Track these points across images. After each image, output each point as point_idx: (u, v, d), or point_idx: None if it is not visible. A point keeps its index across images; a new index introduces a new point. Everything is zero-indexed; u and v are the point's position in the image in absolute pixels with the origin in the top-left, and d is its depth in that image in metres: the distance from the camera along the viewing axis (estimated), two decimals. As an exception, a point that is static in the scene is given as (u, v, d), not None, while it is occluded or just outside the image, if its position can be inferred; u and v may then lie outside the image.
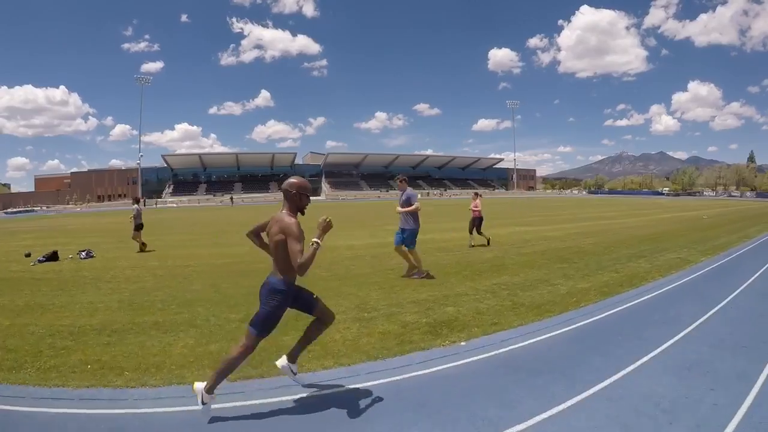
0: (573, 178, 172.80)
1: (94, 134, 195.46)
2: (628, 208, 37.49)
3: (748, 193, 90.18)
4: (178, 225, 26.48)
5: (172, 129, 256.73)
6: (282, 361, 3.58)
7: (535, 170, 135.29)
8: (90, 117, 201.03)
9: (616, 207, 39.15)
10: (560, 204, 48.94)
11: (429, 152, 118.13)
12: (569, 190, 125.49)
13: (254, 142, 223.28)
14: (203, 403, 3.19)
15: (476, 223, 12.40)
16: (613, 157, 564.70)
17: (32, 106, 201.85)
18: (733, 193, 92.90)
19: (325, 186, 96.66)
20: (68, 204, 78.62)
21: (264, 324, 3.23)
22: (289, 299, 3.29)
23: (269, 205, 62.66)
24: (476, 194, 13.17)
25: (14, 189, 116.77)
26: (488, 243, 12.38)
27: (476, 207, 12.45)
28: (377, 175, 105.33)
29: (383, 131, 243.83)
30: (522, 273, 8.50)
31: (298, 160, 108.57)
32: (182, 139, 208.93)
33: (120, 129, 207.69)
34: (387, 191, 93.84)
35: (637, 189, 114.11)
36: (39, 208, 68.81)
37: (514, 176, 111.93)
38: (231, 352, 3.26)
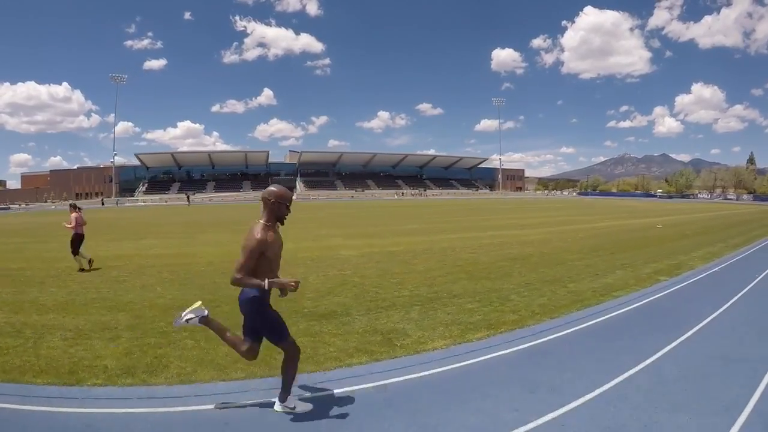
0: (576, 179, 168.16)
1: (97, 131, 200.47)
2: (591, 211, 32.96)
3: (745, 196, 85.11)
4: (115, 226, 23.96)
5: (175, 126, 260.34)
6: (277, 406, 3.43)
7: (523, 170, 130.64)
8: (93, 114, 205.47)
9: (576, 210, 34.64)
10: (519, 206, 44.20)
11: (426, 151, 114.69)
12: (560, 192, 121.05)
13: (257, 140, 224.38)
14: (292, 408, 3.33)
15: (76, 242, 9.65)
16: (616, 158, 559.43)
17: (35, 103, 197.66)
18: (729, 196, 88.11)
19: (299, 185, 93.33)
20: (45, 201, 78.68)
21: (272, 330, 3.23)
22: (266, 300, 3.20)
23: (234, 204, 60.24)
24: (73, 206, 10.34)
25: (15, 186, 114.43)
26: (90, 265, 9.58)
27: (72, 223, 9.81)
28: (354, 174, 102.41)
29: (385, 131, 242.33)
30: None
31: (279, 158, 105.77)
32: (185, 137, 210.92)
33: (122, 126, 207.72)
34: (363, 191, 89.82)
35: (630, 191, 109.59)
36: (18, 205, 68.57)
37: (500, 176, 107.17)
38: (283, 365, 3.32)
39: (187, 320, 3.33)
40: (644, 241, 14.22)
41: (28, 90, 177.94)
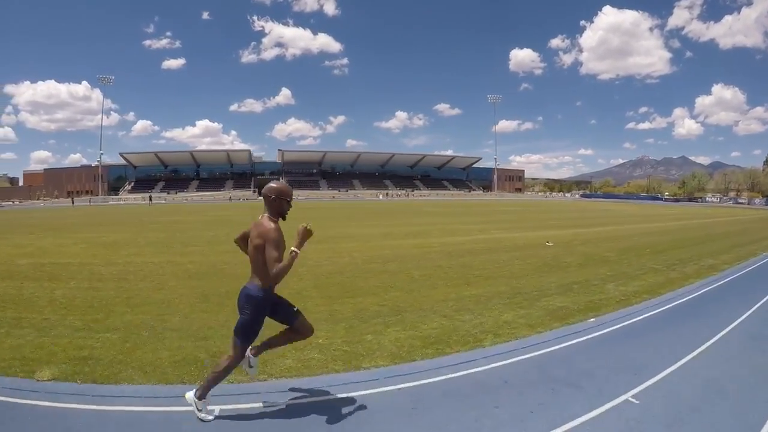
0: (592, 181, 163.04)
1: (116, 129, 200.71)
2: (534, 218, 29.01)
3: (757, 200, 78.87)
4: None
5: (193, 125, 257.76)
6: (244, 361, 3.40)
7: (523, 171, 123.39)
8: (112, 112, 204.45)
9: (519, 215, 30.78)
10: (468, 210, 40.12)
11: (423, 150, 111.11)
12: (563, 194, 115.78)
13: (275, 139, 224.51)
14: (198, 410, 3.22)
15: None
16: (634, 161, 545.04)
17: (55, 101, 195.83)
18: (740, 200, 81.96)
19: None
20: (37, 199, 79.31)
21: (245, 332, 3.20)
22: (266, 306, 3.22)
23: (197, 203, 58.95)
24: None
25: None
26: None
27: None
28: (340, 174, 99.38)
29: (403, 131, 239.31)
30: None
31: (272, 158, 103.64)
32: (203, 136, 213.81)
33: (141, 125, 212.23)
34: (347, 191, 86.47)
35: (636, 193, 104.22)
36: (11, 202, 69.35)
37: (495, 177, 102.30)
38: (220, 362, 3.27)
39: (200, 411, 3.27)
40: (485, 274, 8.91)
41: (48, 88, 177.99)
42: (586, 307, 6.47)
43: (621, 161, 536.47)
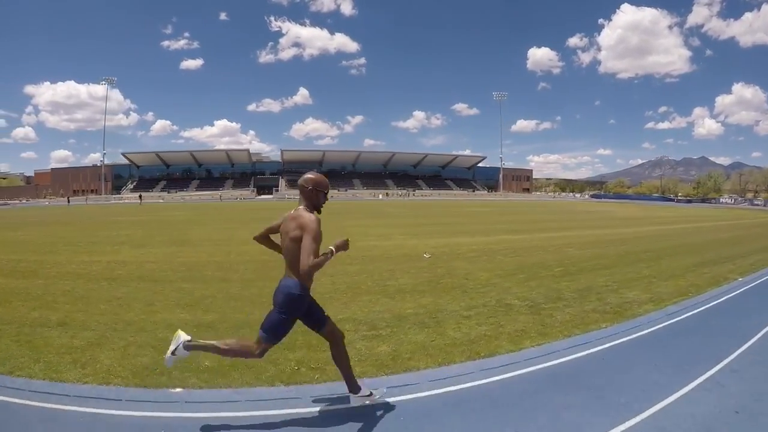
0: (609, 181, 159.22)
1: (136, 129, 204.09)
2: (520, 221, 27.38)
3: (776, 201, 75.53)
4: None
5: (212, 125, 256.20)
6: (354, 399, 3.23)
7: (531, 170, 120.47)
8: (131, 112, 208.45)
9: (494, 218, 29.03)
10: (449, 210, 38.60)
11: (417, 150, 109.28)
12: (572, 194, 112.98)
13: (293, 139, 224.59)
14: (172, 354, 3.07)
15: None
16: (653, 161, 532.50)
17: (75, 101, 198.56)
18: (756, 201, 78.34)
19: (282, 184, 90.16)
20: (44, 198, 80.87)
21: (275, 330, 2.99)
22: (304, 306, 3.02)
23: (190, 203, 59.03)
24: None
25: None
26: None
27: None
28: (339, 174, 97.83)
29: (421, 131, 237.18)
30: None
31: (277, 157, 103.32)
32: (221, 135, 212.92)
33: (160, 124, 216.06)
34: (346, 191, 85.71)
35: (646, 194, 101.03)
36: (19, 201, 72.07)
37: (500, 177, 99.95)
38: (239, 342, 3.10)
39: (173, 353, 3.08)
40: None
41: (68, 89, 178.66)
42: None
43: (640, 161, 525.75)
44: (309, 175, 3.12)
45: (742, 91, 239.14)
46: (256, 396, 3.38)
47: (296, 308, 2.96)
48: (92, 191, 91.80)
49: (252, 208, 41.75)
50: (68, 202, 64.23)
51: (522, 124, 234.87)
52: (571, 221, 26.20)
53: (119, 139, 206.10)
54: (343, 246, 2.98)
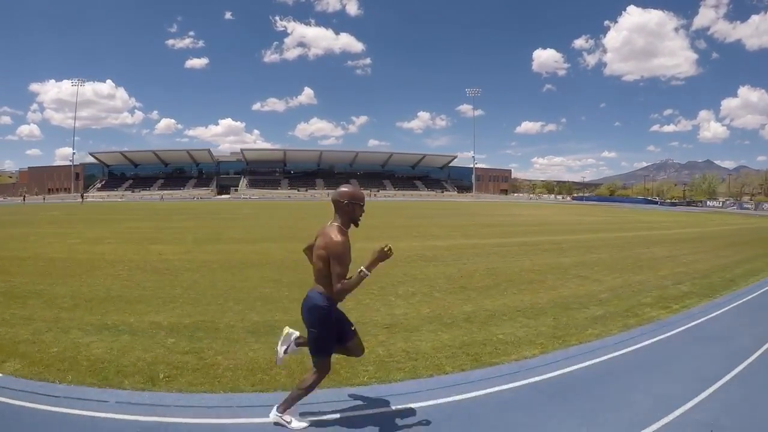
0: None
1: (141, 127, 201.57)
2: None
3: (766, 205, 68.79)
4: None
5: (216, 124, 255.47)
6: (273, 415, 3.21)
7: (510, 170, 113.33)
8: (136, 111, 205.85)
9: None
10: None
11: (382, 150, 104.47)
12: (553, 196, 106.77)
13: (297, 138, 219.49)
14: (287, 422, 3.13)
15: None
16: (658, 164, 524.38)
17: (80, 99, 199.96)
18: (745, 205, 71.67)
19: (243, 183, 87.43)
20: (20, 196, 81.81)
21: (319, 347, 3.03)
22: (332, 315, 2.99)
23: (130, 202, 57.06)
24: None
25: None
26: None
27: None
28: (303, 173, 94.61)
29: (426, 131, 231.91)
30: None
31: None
32: (226, 134, 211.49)
33: (165, 123, 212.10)
34: (306, 191, 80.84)
35: (628, 196, 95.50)
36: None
37: (473, 177, 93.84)
38: (306, 379, 3.13)
39: (285, 352, 3.27)
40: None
41: (73, 87, 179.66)
42: None
43: (645, 164, 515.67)
44: (344, 189, 2.98)
45: (748, 94, 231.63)
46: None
47: (326, 322, 2.94)
48: (65, 189, 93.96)
49: (181, 209, 36.18)
50: (24, 200, 65.22)
51: (527, 126, 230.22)
52: (451, 228, 20.60)
53: (124, 138, 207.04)
54: (382, 258, 2.81)
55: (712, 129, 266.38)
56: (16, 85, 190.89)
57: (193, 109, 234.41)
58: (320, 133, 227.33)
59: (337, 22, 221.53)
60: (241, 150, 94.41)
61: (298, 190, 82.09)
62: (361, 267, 2.76)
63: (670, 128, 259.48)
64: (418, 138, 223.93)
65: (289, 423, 3.08)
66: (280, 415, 3.08)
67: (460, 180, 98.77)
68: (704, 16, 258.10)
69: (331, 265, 2.79)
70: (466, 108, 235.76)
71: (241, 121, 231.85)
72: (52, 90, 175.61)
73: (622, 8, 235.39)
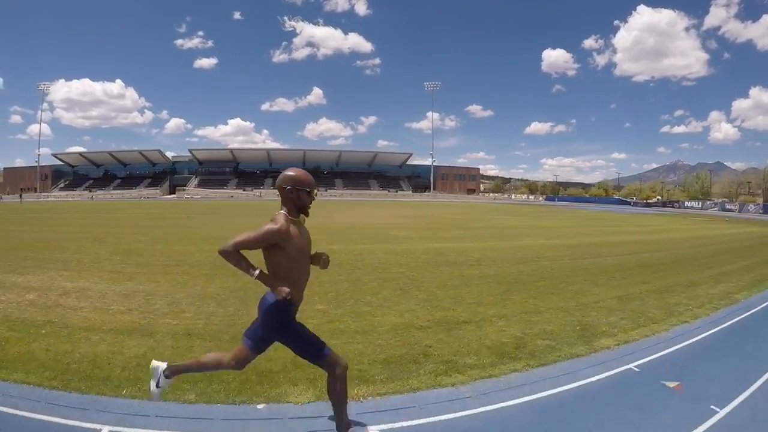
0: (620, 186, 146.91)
1: (150, 127, 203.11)
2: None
3: (752, 206, 61.10)
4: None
5: (226, 124, 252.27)
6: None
7: (478, 169, 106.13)
8: (146, 110, 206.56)
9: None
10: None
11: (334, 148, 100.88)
12: (525, 197, 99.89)
13: (306, 138, 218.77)
14: (158, 386, 2.81)
15: None
16: (668, 165, 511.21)
17: (90, 99, 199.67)
18: (728, 206, 63.96)
19: (194, 182, 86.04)
20: None
21: (305, 348, 2.61)
22: (289, 310, 2.56)
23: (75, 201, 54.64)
24: None
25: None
26: None
27: None
28: (253, 174, 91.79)
29: (435, 132, 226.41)
30: None
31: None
32: (235, 134, 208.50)
33: (174, 122, 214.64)
34: (252, 190, 78.18)
35: (597, 196, 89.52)
36: None
37: (431, 176, 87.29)
38: (216, 358, 2.72)
39: (157, 386, 2.81)
40: None
41: (83, 86, 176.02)
42: None
43: (654, 166, 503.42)
44: (288, 173, 2.53)
45: (760, 95, 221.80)
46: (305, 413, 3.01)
47: (283, 317, 2.58)
48: (34, 189, 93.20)
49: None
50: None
51: (536, 127, 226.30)
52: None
53: (133, 137, 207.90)
54: (277, 294, 2.42)
55: (723, 130, 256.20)
56: (25, 84, 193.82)
57: (202, 108, 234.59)
58: (329, 134, 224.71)
59: (346, 22, 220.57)
60: (190, 150, 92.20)
61: (244, 190, 77.78)
62: (259, 270, 2.41)
63: (680, 129, 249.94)
64: (427, 139, 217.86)
65: (156, 381, 2.77)
66: (162, 374, 2.77)
67: (424, 179, 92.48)
68: (715, 16, 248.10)
69: (243, 233, 2.38)
70: (474, 108, 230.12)
71: (251, 121, 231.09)
72: (62, 89, 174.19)
73: (632, 8, 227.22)
